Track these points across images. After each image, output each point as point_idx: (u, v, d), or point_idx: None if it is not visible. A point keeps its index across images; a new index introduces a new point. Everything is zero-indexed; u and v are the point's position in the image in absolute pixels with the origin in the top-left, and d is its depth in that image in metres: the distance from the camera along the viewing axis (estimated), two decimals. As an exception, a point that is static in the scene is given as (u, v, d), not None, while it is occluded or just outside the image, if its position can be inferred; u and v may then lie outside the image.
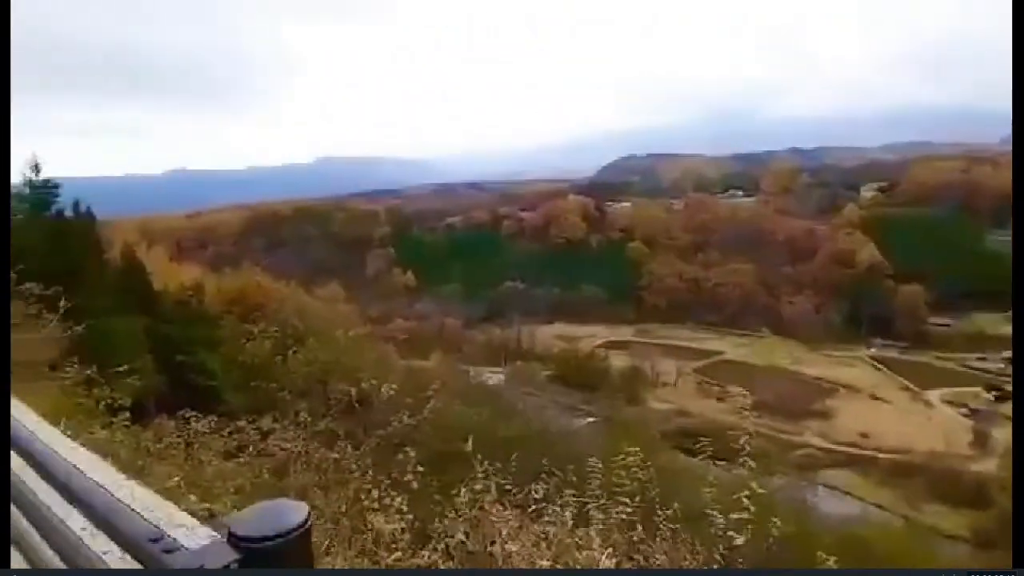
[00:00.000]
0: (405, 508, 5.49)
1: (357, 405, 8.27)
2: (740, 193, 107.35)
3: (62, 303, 11.00)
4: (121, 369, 11.44)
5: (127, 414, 9.22)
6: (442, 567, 4.54)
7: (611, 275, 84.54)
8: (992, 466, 37.45)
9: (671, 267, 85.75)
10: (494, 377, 44.39)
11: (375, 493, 5.74)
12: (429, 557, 4.67)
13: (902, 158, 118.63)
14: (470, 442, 5.18)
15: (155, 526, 1.13)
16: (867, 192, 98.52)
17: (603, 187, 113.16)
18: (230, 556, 0.96)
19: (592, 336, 75.17)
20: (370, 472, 6.69)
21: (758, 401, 56.81)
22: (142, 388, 12.85)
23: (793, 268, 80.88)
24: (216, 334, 24.20)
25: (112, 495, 1.36)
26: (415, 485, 5.64)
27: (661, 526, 5.03)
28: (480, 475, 4.87)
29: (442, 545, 4.50)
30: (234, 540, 0.98)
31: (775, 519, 5.03)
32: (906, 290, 71.19)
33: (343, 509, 5.57)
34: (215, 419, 9.74)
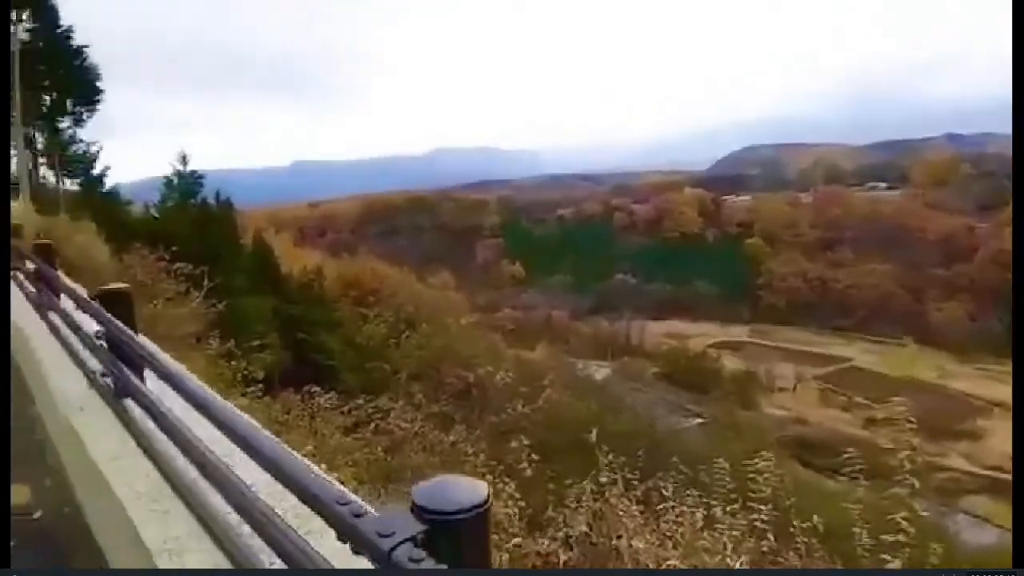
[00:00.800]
0: (518, 495, 5.85)
1: (473, 391, 8.83)
2: (882, 185, 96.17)
3: (206, 282, 12.77)
4: (254, 344, 13.07)
5: (260, 385, 10.64)
6: (561, 555, 4.49)
7: (726, 272, 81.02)
8: None
9: (794, 265, 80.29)
10: (601, 371, 44.68)
11: (489, 478, 6.17)
12: (548, 545, 4.69)
13: None
14: (594, 434, 5.38)
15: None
16: None
17: (721, 179, 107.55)
18: (416, 527, 0.97)
19: (704, 335, 72.50)
20: (482, 456, 7.29)
21: (892, 415, 52.25)
22: (272, 363, 14.47)
23: (947, 270, 71.78)
24: (334, 316, 26.02)
25: (298, 456, 1.42)
26: (529, 472, 6.00)
27: (797, 538, 4.83)
28: (605, 467, 4.88)
29: (561, 533, 4.50)
30: (418, 511, 0.99)
31: (934, 545, 4.66)
32: None
33: None
34: (336, 395, 10.98)
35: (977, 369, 60.83)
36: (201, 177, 24.06)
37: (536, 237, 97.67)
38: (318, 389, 10.26)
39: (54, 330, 3.89)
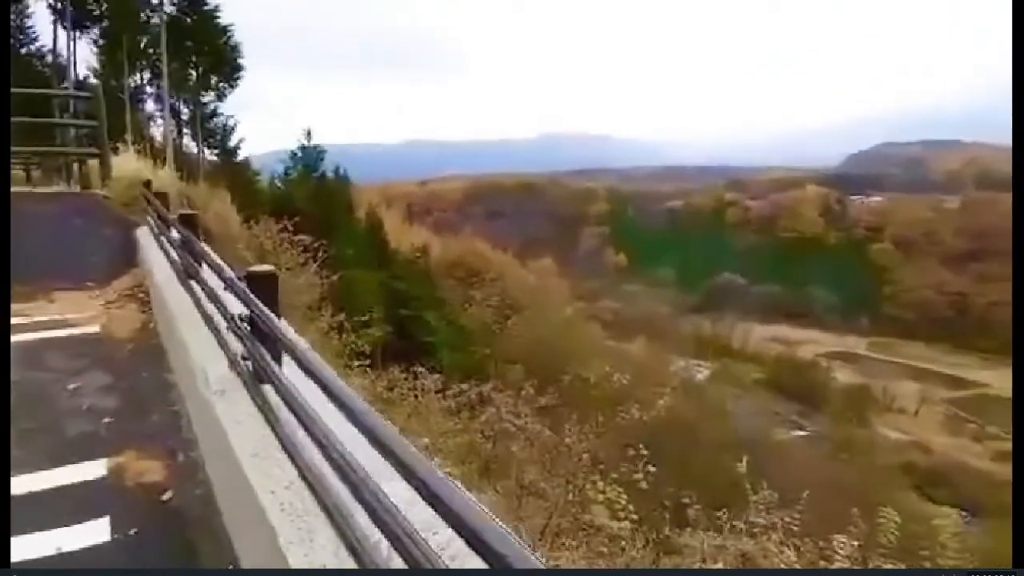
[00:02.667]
0: (632, 508, 5.48)
1: (583, 388, 8.34)
2: None
3: (320, 254, 13.01)
4: (364, 319, 13.23)
5: (367, 360, 10.67)
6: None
7: (847, 278, 74.98)
8: None
9: (929, 276, 72.70)
10: (700, 372, 42.89)
11: (600, 485, 5.89)
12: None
13: None
14: (744, 463, 4.87)
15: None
16: None
17: (853, 178, 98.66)
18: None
19: (814, 343, 67.69)
20: (585, 457, 6.84)
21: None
22: (378, 338, 14.67)
23: None
24: (437, 294, 26.45)
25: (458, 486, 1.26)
26: (644, 485, 5.52)
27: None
28: (760, 506, 4.36)
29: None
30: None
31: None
32: None
33: (570, 497, 5.56)
34: (440, 377, 10.88)
35: None
36: (323, 152, 25.10)
37: (643, 228, 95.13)
38: (423, 370, 10.19)
39: (196, 302, 3.90)
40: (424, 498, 1.15)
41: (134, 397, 3.80)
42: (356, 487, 1.52)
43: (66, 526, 2.49)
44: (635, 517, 5.64)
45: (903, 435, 48.92)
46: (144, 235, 7.26)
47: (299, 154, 24.36)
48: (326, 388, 1.74)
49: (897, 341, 68.54)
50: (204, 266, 3.92)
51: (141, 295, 5.99)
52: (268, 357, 2.53)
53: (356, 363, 10.10)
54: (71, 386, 3.93)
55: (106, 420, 3.49)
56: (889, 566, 3.69)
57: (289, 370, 2.29)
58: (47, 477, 2.85)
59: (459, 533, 1.03)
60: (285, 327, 2.58)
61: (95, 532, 2.49)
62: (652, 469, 5.82)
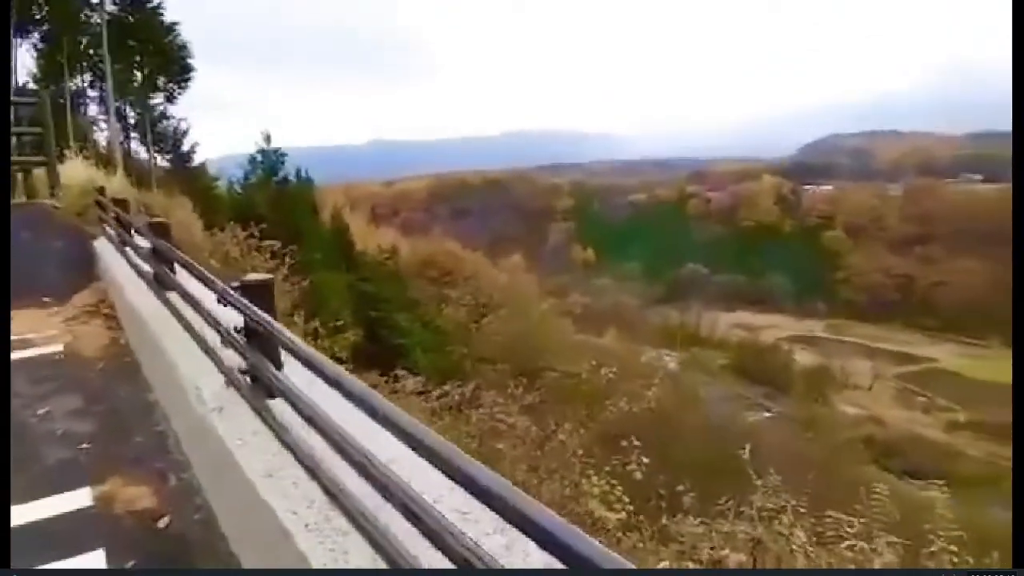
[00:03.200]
0: (626, 499, 5.42)
1: (568, 383, 8.27)
2: (978, 178, 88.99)
3: (288, 259, 12.71)
4: (338, 324, 12.99)
5: (348, 366, 10.46)
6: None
7: (803, 264, 77.40)
8: None
9: (878, 260, 75.71)
10: (670, 361, 43.60)
11: (595, 479, 5.79)
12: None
13: None
14: (747, 451, 4.84)
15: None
16: None
17: (804, 168, 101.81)
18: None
19: (775, 327, 69.64)
20: (579, 452, 6.81)
21: (976, 420, 49.40)
22: (354, 343, 14.41)
23: None
24: (409, 295, 26.17)
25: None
26: (639, 476, 5.46)
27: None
28: (763, 489, 4.25)
29: (705, 557, 3.91)
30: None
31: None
32: None
33: (566, 492, 5.57)
34: (422, 379, 10.72)
35: None
36: (284, 155, 24.33)
37: (608, 222, 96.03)
38: (404, 372, 10.02)
39: (177, 315, 3.68)
40: (475, 494, 1.13)
41: (112, 419, 3.56)
42: (395, 498, 1.45)
43: (58, 561, 2.29)
44: (630, 508, 5.62)
45: (859, 410, 50.88)
46: (103, 246, 6.89)
47: (259, 158, 23.60)
48: (348, 392, 1.65)
49: (851, 322, 71.10)
50: (184, 276, 3.71)
51: (105, 310, 5.67)
52: (272, 367, 2.39)
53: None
54: (40, 411, 3.66)
55: (84, 445, 3.26)
56: (894, 539, 3.73)
57: (296, 380, 2.17)
58: (29, 510, 2.62)
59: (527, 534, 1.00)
60: (290, 334, 2.45)
61: (91, 567, 2.30)
62: (645, 460, 5.79)
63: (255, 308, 2.36)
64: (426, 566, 1.39)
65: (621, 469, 6.05)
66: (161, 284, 4.19)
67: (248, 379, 2.54)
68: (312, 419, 1.97)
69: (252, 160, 23.53)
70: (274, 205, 20.81)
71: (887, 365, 60.54)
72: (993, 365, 59.18)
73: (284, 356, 2.36)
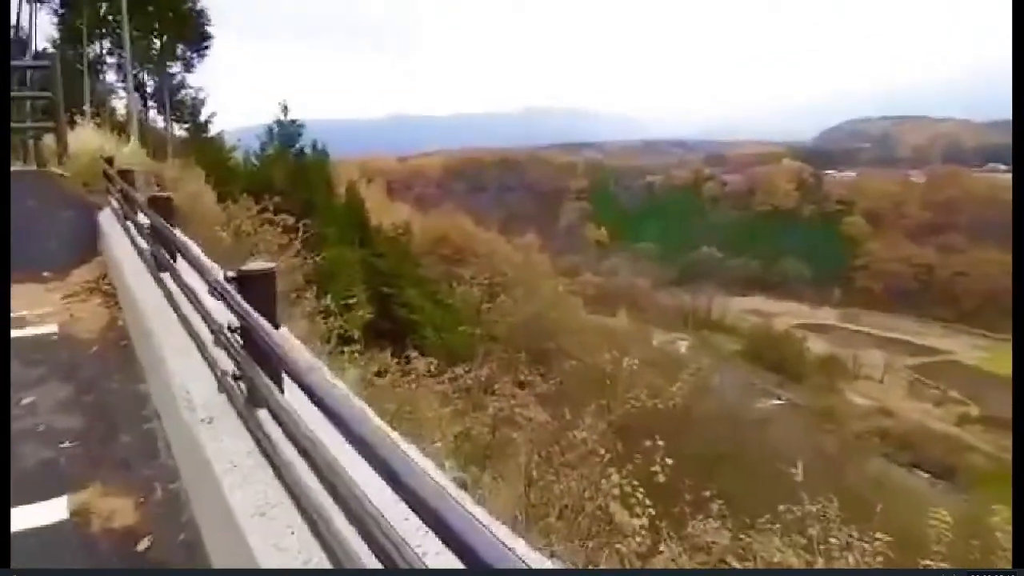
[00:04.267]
0: (648, 502, 5.12)
1: (607, 377, 7.79)
2: (1003, 167, 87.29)
3: (300, 234, 12.34)
4: (350, 301, 12.70)
5: (357, 345, 10.11)
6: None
7: (820, 251, 76.23)
8: None
9: (898, 248, 74.38)
10: (682, 344, 43.26)
11: (615, 478, 5.51)
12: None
13: None
14: (800, 469, 4.54)
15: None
16: None
17: (826, 153, 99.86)
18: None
19: (789, 314, 68.91)
20: (597, 450, 6.51)
21: (987, 414, 48.76)
22: (367, 321, 14.11)
23: None
24: (421, 272, 25.89)
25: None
26: (662, 478, 5.14)
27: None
28: (819, 515, 4.08)
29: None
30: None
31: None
32: None
33: (586, 493, 5.23)
34: (432, 360, 10.43)
35: None
36: (301, 127, 23.90)
37: (623, 202, 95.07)
38: (416, 354, 9.74)
39: (172, 302, 3.36)
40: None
41: (100, 414, 3.27)
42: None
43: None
44: (652, 512, 5.32)
45: (870, 401, 50.40)
46: (107, 219, 6.59)
47: (276, 129, 23.24)
48: (344, 426, 1.33)
49: (867, 312, 70.11)
50: (181, 259, 3.38)
51: (105, 287, 5.38)
52: (263, 375, 2.06)
53: (346, 349, 9.60)
54: (25, 401, 3.38)
55: (66, 444, 2.97)
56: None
57: (293, 393, 1.84)
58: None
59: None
60: (286, 337, 2.09)
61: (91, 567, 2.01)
62: (669, 461, 5.47)
63: (247, 307, 2.01)
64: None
65: (644, 468, 5.75)
66: (159, 266, 3.87)
67: (241, 387, 2.21)
68: (308, 452, 1.65)
69: (269, 131, 23.20)
70: (289, 178, 20.55)
71: (900, 356, 59.91)
72: (1008, 357, 58.58)
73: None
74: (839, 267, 75.62)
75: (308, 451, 1.64)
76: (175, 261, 3.54)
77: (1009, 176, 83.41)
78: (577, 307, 30.82)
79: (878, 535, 4.27)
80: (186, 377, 2.59)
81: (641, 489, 5.38)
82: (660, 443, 5.62)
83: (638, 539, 5.07)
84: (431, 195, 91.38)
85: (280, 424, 1.87)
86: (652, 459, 5.63)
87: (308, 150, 23.72)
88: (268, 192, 13.21)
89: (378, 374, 9.79)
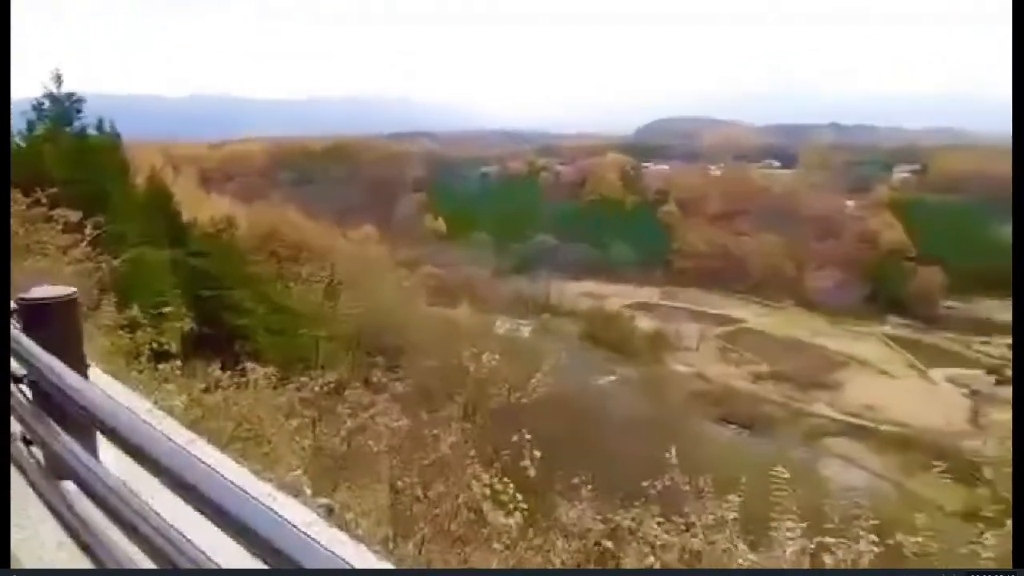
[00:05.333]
0: (520, 498, 5.09)
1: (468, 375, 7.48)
2: (776, 164, 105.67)
3: (89, 231, 10.34)
4: (164, 308, 11.05)
5: (176, 361, 8.80)
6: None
7: (643, 237, 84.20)
8: (984, 445, 37.51)
9: (702, 233, 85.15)
10: (525, 329, 44.87)
11: (485, 478, 5.23)
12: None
13: (938, 142, 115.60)
14: (673, 453, 4.65)
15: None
16: (899, 174, 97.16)
17: (641, 147, 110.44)
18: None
19: (620, 296, 75.42)
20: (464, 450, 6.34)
21: (775, 370, 58.15)
22: (187, 331, 12.29)
23: (821, 244, 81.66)
24: (248, 271, 23.71)
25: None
26: (532, 472, 5.12)
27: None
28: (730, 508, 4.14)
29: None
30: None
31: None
32: (924, 272, 73.64)
33: (458, 498, 5.07)
34: (273, 370, 9.50)
35: (842, 330, 69.76)
36: (80, 101, 20.06)
37: (459, 193, 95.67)
38: (253, 365, 8.77)
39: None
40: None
41: None
42: None
43: None
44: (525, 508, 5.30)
45: (690, 368, 57.21)
46: None
47: (46, 104, 19.21)
48: (182, 483, 1.04)
49: (683, 290, 79.30)
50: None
51: None
52: (68, 440, 1.55)
53: (163, 366, 8.26)
54: None
55: None
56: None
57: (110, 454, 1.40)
58: None
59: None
60: (92, 382, 1.62)
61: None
62: (537, 454, 5.48)
63: (36, 350, 1.48)
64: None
65: (513, 464, 5.70)
66: None
67: (29, 448, 1.66)
68: (137, 528, 1.25)
69: (38, 107, 19.18)
70: (70, 164, 17.20)
71: (710, 327, 68.98)
72: (788, 323, 70.49)
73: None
74: (659, 251, 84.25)
75: (139, 529, 1.24)
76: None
77: (780, 172, 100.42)
78: (420, 300, 30.43)
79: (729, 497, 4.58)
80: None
81: (512, 486, 5.33)
82: (528, 437, 5.61)
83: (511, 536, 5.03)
84: (254, 186, 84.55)
85: (94, 498, 1.41)
86: (521, 454, 5.61)
87: (93, 131, 20.18)
88: (41, 183, 10.98)
89: (207, 390, 8.64)
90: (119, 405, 1.57)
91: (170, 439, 1.52)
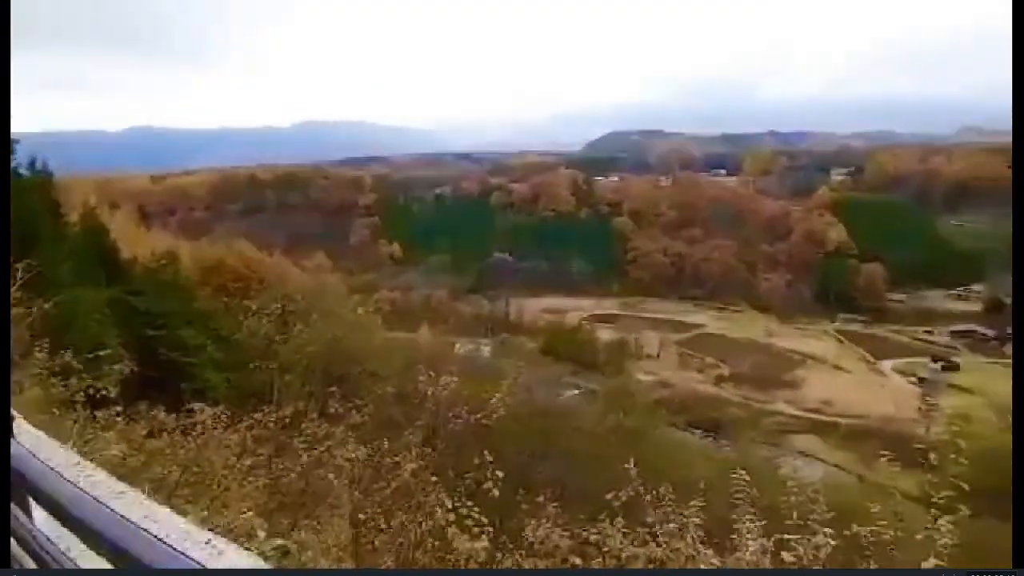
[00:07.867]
0: (485, 521, 5.17)
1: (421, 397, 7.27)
2: (723, 172, 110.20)
3: (18, 275, 9.82)
4: (102, 353, 10.45)
5: (116, 407, 8.32)
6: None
7: (598, 248, 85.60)
8: (934, 431, 38.85)
9: (656, 242, 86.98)
10: (485, 349, 44.43)
11: (449, 503, 5.27)
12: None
13: (870, 145, 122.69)
14: (632, 463, 4.63)
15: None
16: (836, 176, 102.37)
17: (592, 162, 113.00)
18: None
19: (579, 309, 75.95)
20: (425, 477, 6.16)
21: (735, 372, 59.29)
22: (127, 374, 11.64)
23: (771, 246, 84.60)
24: (194, 307, 22.76)
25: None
26: (496, 493, 4.96)
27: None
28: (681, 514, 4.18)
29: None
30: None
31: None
32: (868, 269, 77.42)
33: (422, 526, 4.82)
34: (222, 408, 9.07)
35: (794, 328, 72.19)
36: (13, 141, 19.28)
37: (414, 216, 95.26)
38: (201, 405, 8.32)
39: None
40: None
41: None
42: None
43: None
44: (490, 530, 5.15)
45: (652, 376, 57.62)
46: None
47: (-28, 144, 18.21)
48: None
49: (640, 299, 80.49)
50: None
51: None
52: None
53: (100, 414, 7.75)
54: None
55: None
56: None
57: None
58: None
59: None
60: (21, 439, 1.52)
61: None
62: (500, 474, 5.36)
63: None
64: None
65: (476, 488, 5.57)
66: None
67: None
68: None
69: (-38, 148, 18.21)
70: (-6, 202, 16.29)
71: (669, 333, 69.80)
72: (745, 325, 72.29)
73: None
74: (615, 261, 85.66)
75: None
76: None
77: (727, 180, 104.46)
78: (377, 326, 29.89)
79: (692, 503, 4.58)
80: None
81: (476, 509, 5.20)
82: (489, 459, 5.51)
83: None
84: (199, 219, 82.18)
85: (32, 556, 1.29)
86: (483, 475, 5.49)
87: (24, 170, 19.30)
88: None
89: (151, 435, 8.16)
90: (41, 464, 1.46)
91: (93, 496, 1.40)
